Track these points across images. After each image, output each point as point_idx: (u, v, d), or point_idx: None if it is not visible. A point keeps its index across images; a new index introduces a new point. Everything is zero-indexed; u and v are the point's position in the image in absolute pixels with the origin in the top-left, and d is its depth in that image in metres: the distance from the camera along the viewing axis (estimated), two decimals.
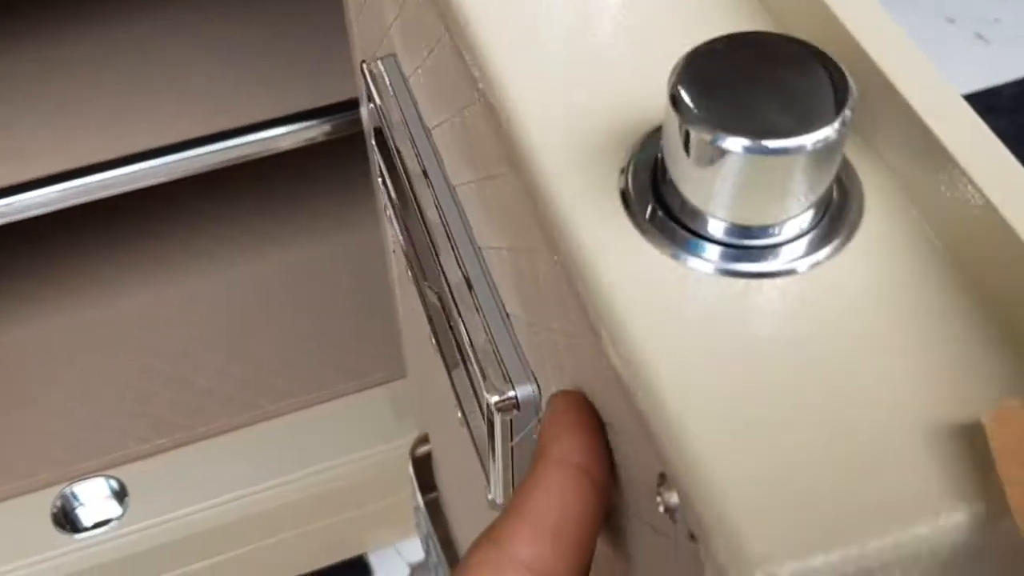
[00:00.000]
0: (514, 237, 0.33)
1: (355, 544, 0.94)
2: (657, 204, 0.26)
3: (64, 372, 0.91)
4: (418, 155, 0.40)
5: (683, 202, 0.26)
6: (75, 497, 0.84)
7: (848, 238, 0.26)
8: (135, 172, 0.77)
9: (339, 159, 0.95)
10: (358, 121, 0.71)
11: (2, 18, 0.89)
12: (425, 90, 0.41)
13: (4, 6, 0.88)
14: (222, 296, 0.95)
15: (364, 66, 0.46)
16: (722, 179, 0.24)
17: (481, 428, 0.38)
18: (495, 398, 0.33)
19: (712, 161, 0.24)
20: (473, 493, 0.55)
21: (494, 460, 0.35)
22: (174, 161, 0.78)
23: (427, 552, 0.75)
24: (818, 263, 0.25)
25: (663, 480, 0.24)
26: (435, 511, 0.71)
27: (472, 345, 0.35)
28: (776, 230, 0.25)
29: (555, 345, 0.31)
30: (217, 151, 0.78)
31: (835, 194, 0.27)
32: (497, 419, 0.34)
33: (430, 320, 0.42)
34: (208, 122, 0.79)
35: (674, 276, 0.25)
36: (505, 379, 0.34)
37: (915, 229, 0.26)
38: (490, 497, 0.38)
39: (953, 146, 0.25)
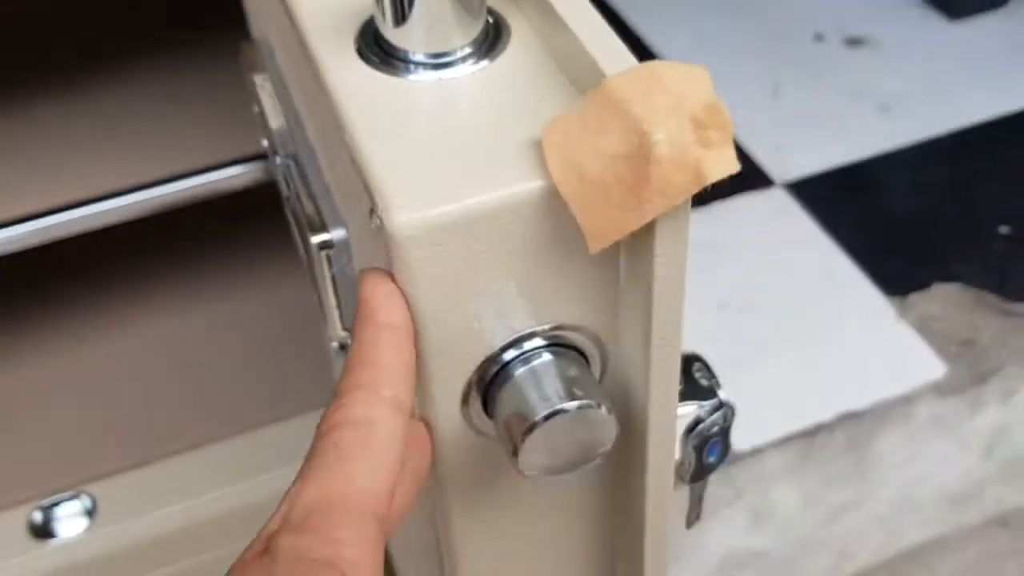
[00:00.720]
0: (312, 108, 0.45)
1: None
2: (379, 50, 0.39)
3: (38, 407, 1.02)
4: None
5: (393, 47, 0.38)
6: (49, 510, 0.94)
7: (496, 56, 0.38)
8: (80, 215, 0.87)
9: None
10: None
11: None
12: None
13: None
14: (176, 341, 1.07)
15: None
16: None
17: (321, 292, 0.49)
18: (316, 239, 0.45)
19: None
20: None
21: (326, 295, 0.46)
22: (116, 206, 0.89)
23: None
24: (481, 68, 0.37)
25: (371, 212, 0.36)
26: None
27: (305, 212, 0.47)
28: (452, 54, 0.38)
29: (342, 184, 0.43)
30: (153, 197, 0.89)
31: (490, 34, 0.39)
32: (321, 256, 0.45)
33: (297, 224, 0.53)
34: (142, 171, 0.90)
35: (392, 85, 0.37)
36: (322, 225, 0.45)
37: (541, 57, 0.38)
38: (331, 338, 0.49)
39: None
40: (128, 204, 0.89)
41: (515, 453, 0.36)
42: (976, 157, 1.40)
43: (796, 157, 1.41)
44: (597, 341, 0.38)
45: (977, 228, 1.32)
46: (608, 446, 0.37)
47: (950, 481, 1.32)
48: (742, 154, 1.41)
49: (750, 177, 1.38)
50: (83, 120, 0.95)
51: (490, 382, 0.37)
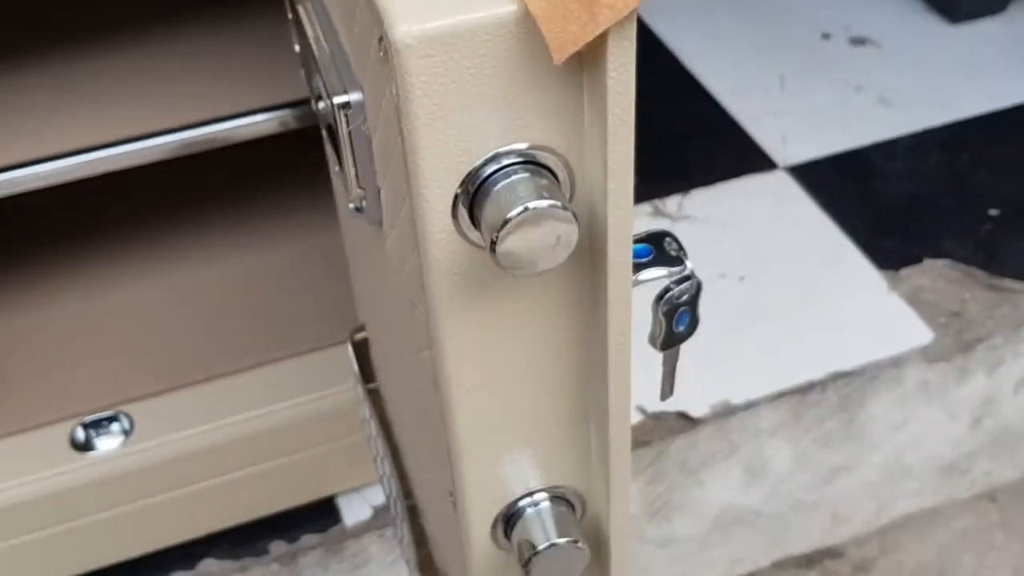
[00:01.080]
0: None
1: (324, 484, 1.10)
2: None
3: (86, 336, 1.11)
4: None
5: None
6: (90, 427, 1.02)
7: None
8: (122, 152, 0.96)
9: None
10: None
11: None
12: None
13: None
14: (212, 280, 1.16)
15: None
16: None
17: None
18: (338, 99, 0.53)
19: None
20: (404, 379, 0.73)
21: (345, 154, 0.54)
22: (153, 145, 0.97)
23: (374, 452, 0.91)
24: None
25: (379, 41, 0.44)
26: (376, 400, 0.88)
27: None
28: None
29: (357, 43, 0.51)
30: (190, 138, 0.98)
31: None
32: (340, 115, 0.53)
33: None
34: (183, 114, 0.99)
35: None
36: (343, 88, 0.54)
37: None
38: (351, 202, 0.57)
39: None
40: (170, 142, 0.97)
41: (493, 249, 0.44)
42: (969, 148, 1.47)
43: (799, 144, 1.49)
44: (566, 164, 0.46)
45: (967, 210, 1.39)
46: (572, 246, 0.44)
47: (940, 450, 1.38)
48: (749, 140, 1.49)
49: (755, 161, 1.46)
50: (125, 66, 1.04)
51: (474, 194, 0.45)
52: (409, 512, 0.77)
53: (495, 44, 0.41)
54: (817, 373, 1.22)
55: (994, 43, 1.63)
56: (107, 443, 1.01)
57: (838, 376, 1.23)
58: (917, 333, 1.26)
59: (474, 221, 0.46)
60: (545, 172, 0.45)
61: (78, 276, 1.18)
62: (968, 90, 1.55)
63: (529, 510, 0.58)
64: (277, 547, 1.08)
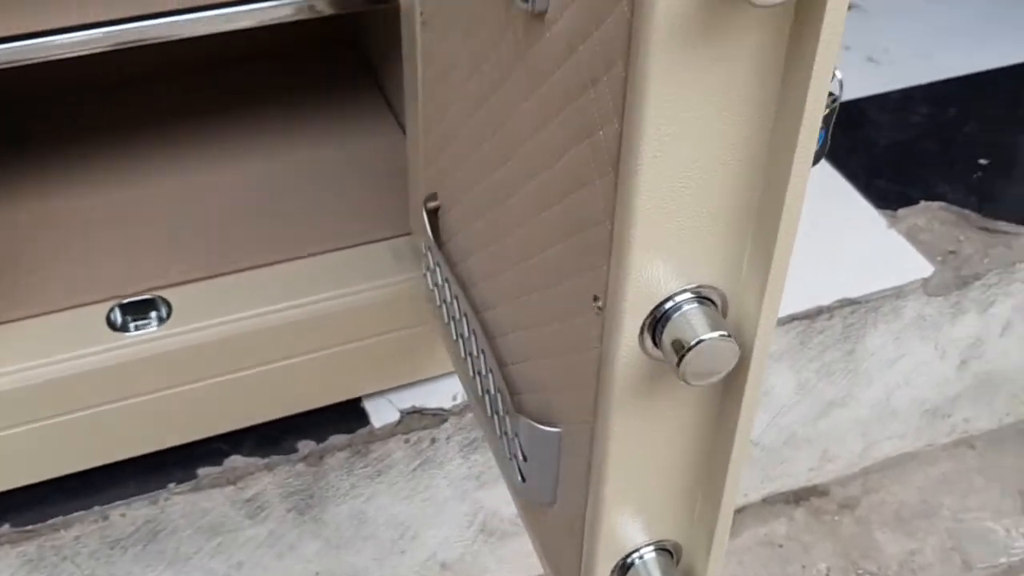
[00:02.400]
0: None
1: (354, 384, 1.09)
2: None
3: (122, 223, 1.09)
4: None
5: None
6: (126, 309, 1.00)
7: None
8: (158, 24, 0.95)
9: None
10: None
11: None
12: None
13: None
14: (256, 170, 1.15)
15: None
16: None
17: None
18: None
19: None
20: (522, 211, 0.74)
21: None
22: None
23: (447, 316, 0.90)
24: None
25: None
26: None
27: None
28: None
29: None
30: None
31: None
32: None
33: None
34: None
35: None
36: None
37: None
38: None
39: None
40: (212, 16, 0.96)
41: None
42: (953, 104, 1.53)
43: None
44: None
45: (958, 158, 1.44)
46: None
47: (926, 392, 1.43)
48: None
49: None
50: None
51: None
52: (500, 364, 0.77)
53: None
54: (825, 299, 1.25)
55: (973, 8, 1.70)
56: (143, 325, 0.98)
57: (845, 303, 1.26)
58: (918, 267, 1.30)
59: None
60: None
61: (125, 165, 1.16)
62: (949, 52, 1.61)
63: (678, 311, 0.59)
64: (305, 446, 1.07)
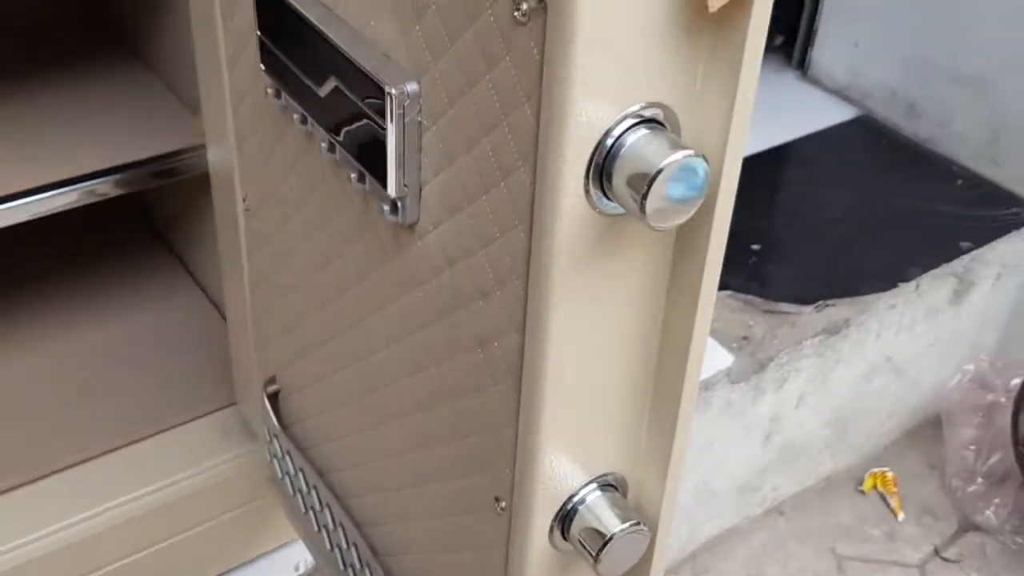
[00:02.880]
0: None
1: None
2: None
3: None
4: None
5: None
6: None
7: None
8: None
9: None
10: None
11: None
12: None
13: None
14: (53, 354, 1.07)
15: None
16: None
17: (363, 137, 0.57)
18: (393, 90, 0.52)
19: None
20: (399, 404, 0.71)
21: (394, 145, 0.53)
22: None
23: (304, 507, 0.86)
24: None
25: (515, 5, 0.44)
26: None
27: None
28: None
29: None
30: None
31: None
32: (393, 107, 0.52)
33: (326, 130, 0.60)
34: None
35: None
36: (391, 81, 0.53)
37: None
38: (390, 191, 0.55)
39: None
40: None
41: (643, 208, 0.45)
42: None
43: None
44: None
45: (732, 246, 1.51)
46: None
47: (739, 470, 1.48)
48: None
49: None
50: None
51: (605, 157, 0.46)
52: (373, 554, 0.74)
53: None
54: None
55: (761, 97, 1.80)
56: None
57: None
58: (719, 357, 1.35)
59: (602, 187, 0.47)
60: (659, 126, 0.47)
61: None
62: None
63: (583, 504, 0.58)
64: None
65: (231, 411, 1.02)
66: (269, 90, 0.66)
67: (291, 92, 0.64)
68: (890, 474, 1.62)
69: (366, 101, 0.55)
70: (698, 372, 0.56)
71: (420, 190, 0.56)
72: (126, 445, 0.98)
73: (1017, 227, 1.54)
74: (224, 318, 1.10)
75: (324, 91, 0.59)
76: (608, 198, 0.47)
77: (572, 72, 0.43)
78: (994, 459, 1.58)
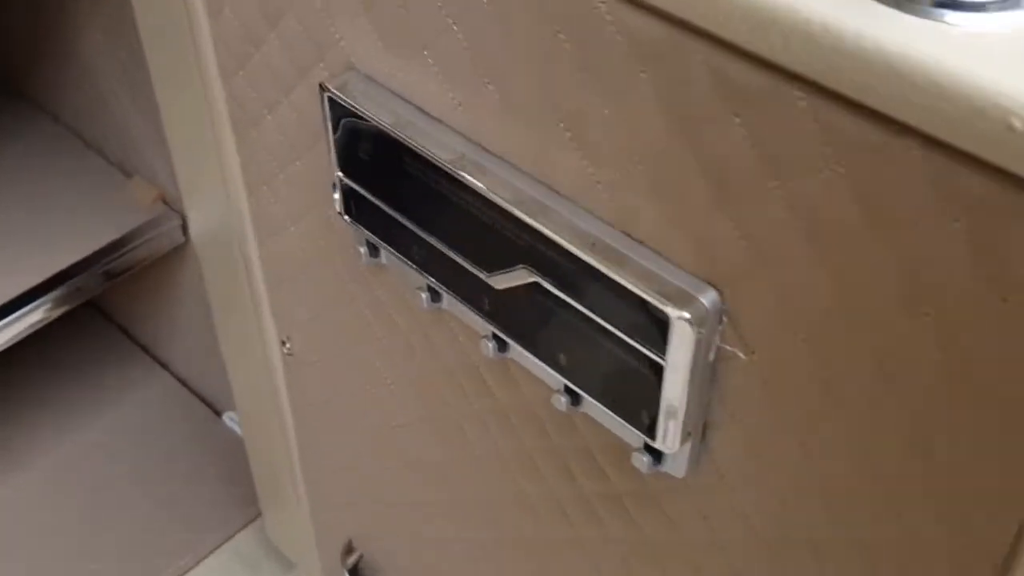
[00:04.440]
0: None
1: None
2: None
3: None
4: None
5: None
6: None
7: None
8: None
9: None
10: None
11: None
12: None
13: None
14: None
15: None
16: None
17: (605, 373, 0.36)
18: (679, 313, 0.31)
19: None
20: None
21: (677, 385, 0.33)
22: None
23: None
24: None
25: None
26: None
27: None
28: None
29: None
30: None
31: None
32: (682, 329, 0.31)
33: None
34: None
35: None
36: (679, 292, 0.32)
37: None
38: (659, 442, 0.35)
39: None
40: None
41: None
42: None
43: None
44: None
45: None
46: None
47: None
48: None
49: None
50: None
51: None
52: None
53: None
54: None
55: None
56: None
57: None
58: None
59: None
60: None
61: None
62: None
63: None
64: None
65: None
66: (361, 248, 0.44)
67: (411, 256, 0.41)
68: None
69: (612, 319, 0.34)
70: None
71: (703, 439, 0.36)
72: None
73: None
74: (215, 412, 0.89)
75: (503, 282, 0.37)
76: None
77: None
78: None
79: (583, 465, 0.42)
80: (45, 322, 0.73)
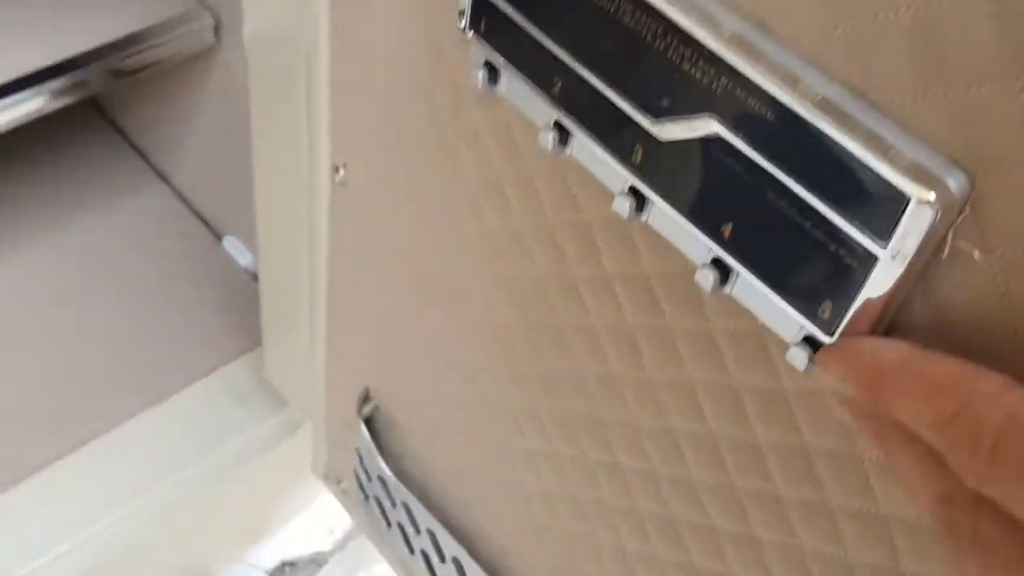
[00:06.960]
0: None
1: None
2: None
3: None
4: None
5: None
6: None
7: None
8: None
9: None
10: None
11: None
12: None
13: None
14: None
15: None
16: None
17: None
18: (923, 195, 0.26)
19: None
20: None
21: (886, 280, 0.27)
22: None
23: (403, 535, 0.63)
24: None
25: None
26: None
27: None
28: None
29: None
30: None
31: None
32: (920, 215, 0.26)
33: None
34: None
35: None
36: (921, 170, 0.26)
37: None
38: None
39: None
40: None
41: None
42: None
43: None
44: None
45: None
46: None
47: None
48: None
49: None
50: None
51: None
52: None
53: None
54: None
55: None
56: None
57: None
58: None
59: None
60: None
61: None
62: None
63: None
64: None
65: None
66: (480, 72, 0.38)
67: (548, 87, 0.35)
68: None
69: (819, 192, 0.29)
70: None
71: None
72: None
73: None
74: (214, 235, 0.83)
75: (674, 132, 0.32)
76: None
77: None
78: None
79: (697, 348, 0.37)
80: (42, 112, 0.66)
